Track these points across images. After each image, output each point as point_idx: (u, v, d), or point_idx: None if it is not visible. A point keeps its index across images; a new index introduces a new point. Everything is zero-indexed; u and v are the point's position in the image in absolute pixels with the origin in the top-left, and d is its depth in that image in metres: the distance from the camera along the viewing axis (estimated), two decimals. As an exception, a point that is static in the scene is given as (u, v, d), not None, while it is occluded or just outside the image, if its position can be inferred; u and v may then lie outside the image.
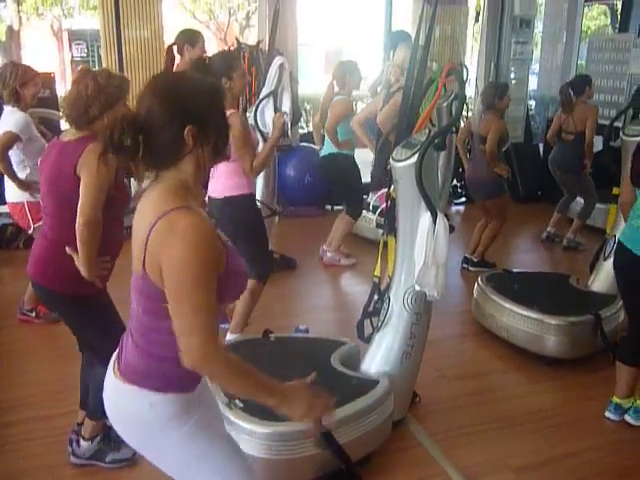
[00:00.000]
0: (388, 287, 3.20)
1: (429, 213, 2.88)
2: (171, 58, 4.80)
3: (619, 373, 3.35)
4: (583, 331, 3.88)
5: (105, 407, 1.83)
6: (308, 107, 11.86)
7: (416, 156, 2.85)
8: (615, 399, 3.38)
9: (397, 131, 3.25)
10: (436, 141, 2.90)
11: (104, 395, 1.84)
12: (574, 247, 6.19)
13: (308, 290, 5.32)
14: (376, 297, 3.31)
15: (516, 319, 3.99)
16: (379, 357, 3.17)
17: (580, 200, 6.32)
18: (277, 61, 4.88)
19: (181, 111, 1.61)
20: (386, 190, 3.36)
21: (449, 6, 7.99)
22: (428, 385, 3.55)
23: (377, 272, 3.34)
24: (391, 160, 3.02)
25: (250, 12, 19.04)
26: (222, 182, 3.62)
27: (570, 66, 8.37)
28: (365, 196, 6.19)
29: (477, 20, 8.07)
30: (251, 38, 16.49)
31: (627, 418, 3.35)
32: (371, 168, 6.02)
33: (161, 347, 1.68)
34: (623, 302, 3.43)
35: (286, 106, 4.99)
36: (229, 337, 3.73)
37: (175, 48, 4.74)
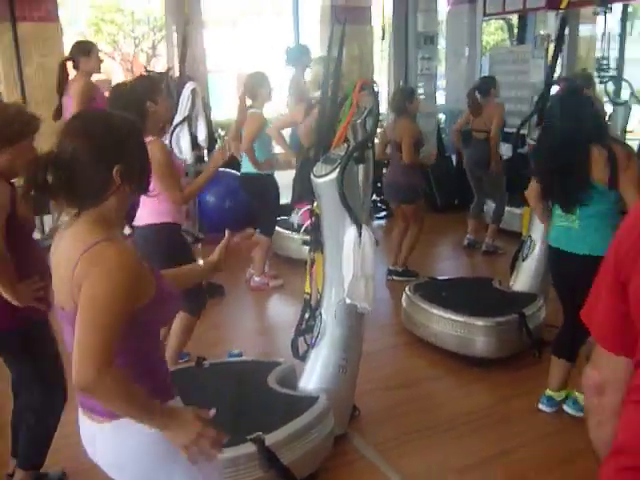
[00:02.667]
0: (319, 303, 3.21)
1: (354, 226, 2.92)
2: (65, 74, 4.73)
3: (553, 367, 3.45)
4: (509, 330, 4.00)
5: (99, 459, 1.77)
6: (222, 133, 11.77)
7: (337, 171, 2.89)
8: (548, 392, 3.48)
9: (315, 147, 3.28)
10: (355, 154, 2.95)
11: (94, 450, 1.76)
12: (493, 251, 6.38)
13: (239, 315, 5.26)
14: (307, 314, 3.31)
15: (445, 324, 4.07)
16: (316, 374, 3.17)
17: (492, 205, 6.54)
18: (189, 86, 4.87)
19: (110, 152, 1.62)
20: (309, 207, 3.37)
21: (355, 26, 8.15)
22: (364, 398, 3.55)
23: (307, 289, 3.34)
24: (312, 176, 3.04)
25: (156, 41, 18.88)
26: (150, 209, 3.38)
27: (474, 79, 8.64)
28: (286, 217, 6.19)
29: (383, 38, 8.29)
30: (158, 67, 16.29)
31: (566, 409, 3.43)
32: (292, 186, 5.98)
33: (128, 368, 1.59)
34: (563, 302, 3.41)
35: (202, 131, 4.97)
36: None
37: (71, 63, 4.68)
